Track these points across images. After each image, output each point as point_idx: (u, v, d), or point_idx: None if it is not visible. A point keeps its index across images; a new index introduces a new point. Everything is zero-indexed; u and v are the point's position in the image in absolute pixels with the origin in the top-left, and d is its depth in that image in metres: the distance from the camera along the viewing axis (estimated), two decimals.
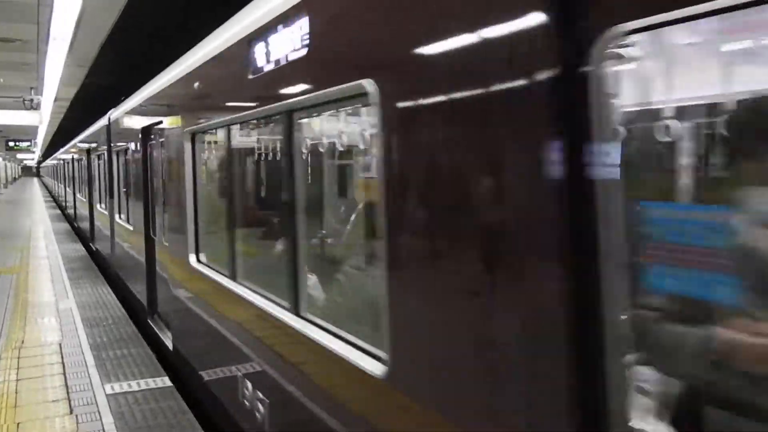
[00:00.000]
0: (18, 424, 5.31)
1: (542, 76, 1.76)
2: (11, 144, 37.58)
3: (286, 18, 3.47)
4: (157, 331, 7.87)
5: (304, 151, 3.66)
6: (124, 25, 12.57)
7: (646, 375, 1.74)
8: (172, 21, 12.99)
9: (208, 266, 5.65)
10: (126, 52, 15.85)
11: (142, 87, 8.98)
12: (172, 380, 6.42)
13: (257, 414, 4.22)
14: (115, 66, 17.29)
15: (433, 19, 2.22)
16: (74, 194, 22.28)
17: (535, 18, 1.77)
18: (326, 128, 3.64)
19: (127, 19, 11.99)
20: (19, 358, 7.09)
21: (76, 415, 5.47)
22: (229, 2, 7.10)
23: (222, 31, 5.07)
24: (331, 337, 3.21)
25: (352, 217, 3.88)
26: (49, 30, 12.14)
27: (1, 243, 17.32)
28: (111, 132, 11.70)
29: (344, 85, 2.79)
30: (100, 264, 13.90)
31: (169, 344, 7.16)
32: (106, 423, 5.32)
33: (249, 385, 4.40)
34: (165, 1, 11.95)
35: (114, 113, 11.49)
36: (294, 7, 3.35)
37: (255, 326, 4.36)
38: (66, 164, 26.84)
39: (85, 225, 18.00)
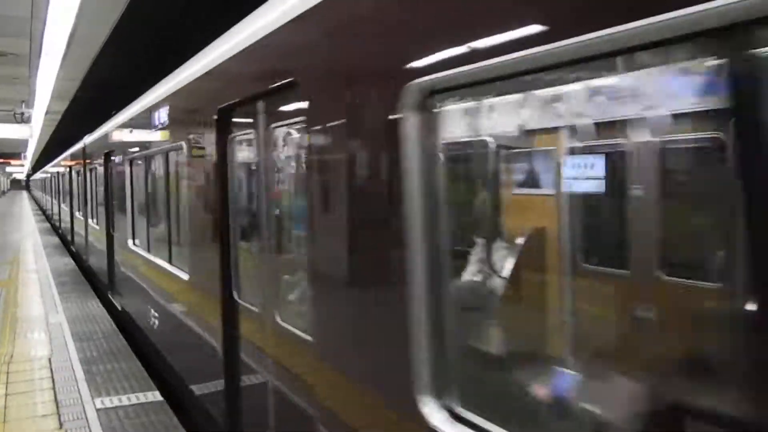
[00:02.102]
0: None
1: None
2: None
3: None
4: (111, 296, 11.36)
5: None
6: (116, 40, 12.63)
7: None
8: (164, 36, 13.06)
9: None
10: (117, 67, 15.90)
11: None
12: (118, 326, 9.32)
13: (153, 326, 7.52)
14: (107, 81, 17.33)
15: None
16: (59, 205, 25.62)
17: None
18: None
19: (119, 34, 12.05)
20: (8, 372, 7.05)
21: (66, 430, 5.45)
22: (221, 18, 7.19)
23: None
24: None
25: None
26: (41, 44, 12.16)
27: None
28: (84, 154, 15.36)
29: None
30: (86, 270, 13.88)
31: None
32: None
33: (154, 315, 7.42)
34: (157, 17, 12.03)
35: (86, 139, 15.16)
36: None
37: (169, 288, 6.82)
38: (53, 177, 28.52)
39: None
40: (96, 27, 11.40)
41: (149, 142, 7.71)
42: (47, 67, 14.73)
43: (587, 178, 2.95)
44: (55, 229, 27.32)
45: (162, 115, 6.93)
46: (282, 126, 3.89)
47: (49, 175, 34.55)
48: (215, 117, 4.73)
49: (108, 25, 11.44)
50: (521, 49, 1.87)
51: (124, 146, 9.44)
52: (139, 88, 9.04)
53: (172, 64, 6.86)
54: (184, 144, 5.78)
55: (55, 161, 28.20)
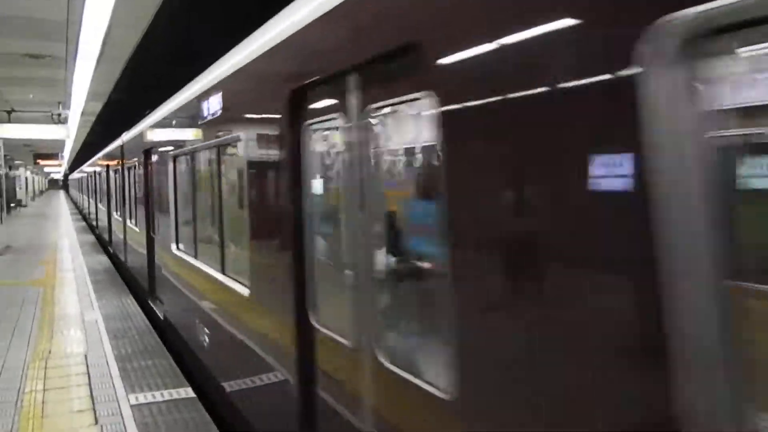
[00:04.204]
0: None
1: None
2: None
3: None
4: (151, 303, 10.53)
5: None
6: (148, 42, 12.82)
7: None
8: (196, 38, 13.22)
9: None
10: (151, 69, 16.15)
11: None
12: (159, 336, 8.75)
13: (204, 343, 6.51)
14: (140, 82, 17.61)
15: None
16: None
17: None
18: None
19: (151, 35, 12.23)
20: (45, 368, 7.22)
21: (101, 426, 5.55)
22: (251, 17, 7.25)
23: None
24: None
25: None
26: (77, 46, 12.42)
27: (29, 256, 17.65)
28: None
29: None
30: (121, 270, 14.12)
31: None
32: None
33: (197, 322, 6.80)
34: (188, 18, 12.18)
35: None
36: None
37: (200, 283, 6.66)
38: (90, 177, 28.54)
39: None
40: (129, 29, 11.59)
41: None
42: (83, 68, 15.04)
43: None
44: (92, 229, 27.85)
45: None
46: None
47: (86, 174, 35.14)
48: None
49: (141, 27, 11.62)
50: None
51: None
52: (171, 89, 9.16)
53: (204, 65, 6.93)
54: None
55: (98, 157, 24.82)
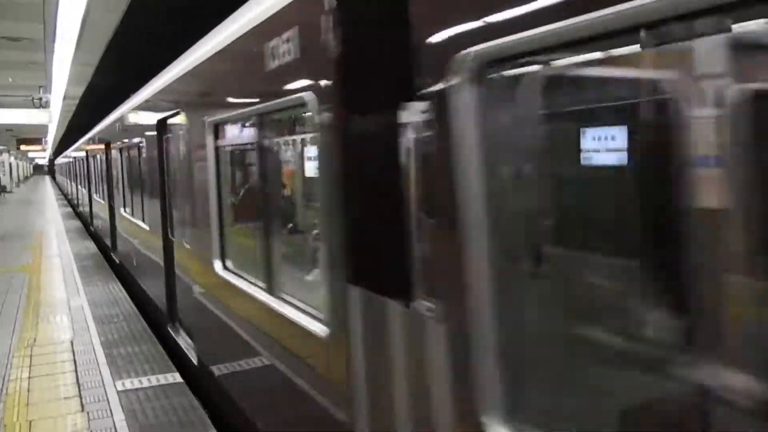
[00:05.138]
0: (30, 422, 5.36)
1: None
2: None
3: None
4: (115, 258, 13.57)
5: None
6: (129, 24, 12.60)
7: None
8: (176, 20, 13.00)
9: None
10: (132, 51, 15.90)
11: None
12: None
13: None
14: (122, 64, 17.35)
15: None
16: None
17: None
18: None
19: (131, 18, 12.01)
20: (31, 356, 7.16)
21: (88, 413, 5.51)
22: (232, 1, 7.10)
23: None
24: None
25: None
26: (55, 28, 12.18)
27: (14, 242, 17.47)
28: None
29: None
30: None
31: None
32: (117, 420, 5.36)
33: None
34: (167, 1, 11.96)
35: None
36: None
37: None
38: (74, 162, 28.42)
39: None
40: (108, 10, 11.38)
41: None
42: (62, 51, 14.78)
43: None
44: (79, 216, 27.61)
45: None
46: None
47: (71, 159, 34.67)
48: None
49: (120, 8, 11.40)
50: None
51: None
52: (154, 74, 9.01)
53: (186, 48, 6.80)
54: None
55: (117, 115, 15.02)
